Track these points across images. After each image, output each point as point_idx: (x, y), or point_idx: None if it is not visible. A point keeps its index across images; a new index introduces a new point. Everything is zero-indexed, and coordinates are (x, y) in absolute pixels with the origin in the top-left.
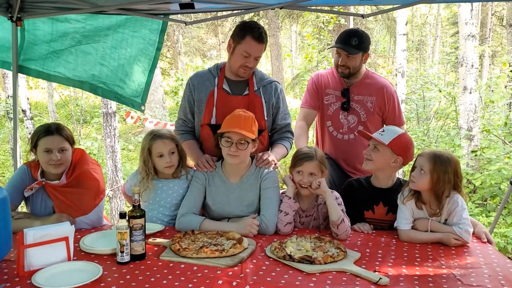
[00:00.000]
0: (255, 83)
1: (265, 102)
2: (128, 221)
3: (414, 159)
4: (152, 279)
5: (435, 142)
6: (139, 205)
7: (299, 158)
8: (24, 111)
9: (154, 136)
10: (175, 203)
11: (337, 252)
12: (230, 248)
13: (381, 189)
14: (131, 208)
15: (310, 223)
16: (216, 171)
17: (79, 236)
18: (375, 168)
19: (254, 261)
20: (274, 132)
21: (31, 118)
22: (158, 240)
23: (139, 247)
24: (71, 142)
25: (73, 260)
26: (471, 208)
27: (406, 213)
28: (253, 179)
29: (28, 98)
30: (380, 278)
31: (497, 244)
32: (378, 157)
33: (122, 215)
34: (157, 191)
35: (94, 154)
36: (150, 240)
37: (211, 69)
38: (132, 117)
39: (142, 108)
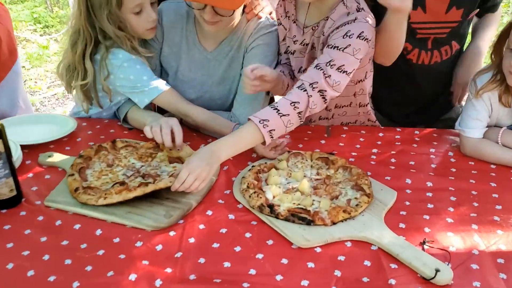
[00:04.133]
0: None
1: None
2: None
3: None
4: (24, 254)
5: None
6: None
7: None
8: None
9: None
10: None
11: (357, 197)
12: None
13: None
14: None
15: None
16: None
17: None
18: None
19: (210, 213)
20: None
21: None
22: (56, 157)
23: (3, 189)
24: None
25: None
26: None
27: (481, 112)
28: (235, 48)
29: None
30: (438, 272)
31: None
32: None
33: None
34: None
35: None
36: (41, 158)
37: None
38: None
39: None
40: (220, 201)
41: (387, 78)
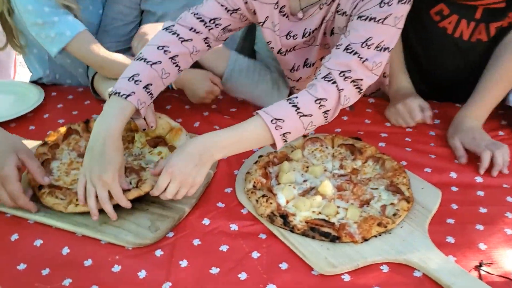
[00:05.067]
0: None
1: None
2: None
3: None
4: None
5: None
6: None
7: None
8: None
9: None
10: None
11: (394, 203)
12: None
13: None
14: None
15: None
16: None
17: None
18: None
19: (206, 222)
20: None
21: None
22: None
23: None
24: None
25: None
26: None
27: None
28: None
29: None
30: None
31: None
32: None
33: None
34: None
35: None
36: None
37: None
38: None
39: None
40: (219, 204)
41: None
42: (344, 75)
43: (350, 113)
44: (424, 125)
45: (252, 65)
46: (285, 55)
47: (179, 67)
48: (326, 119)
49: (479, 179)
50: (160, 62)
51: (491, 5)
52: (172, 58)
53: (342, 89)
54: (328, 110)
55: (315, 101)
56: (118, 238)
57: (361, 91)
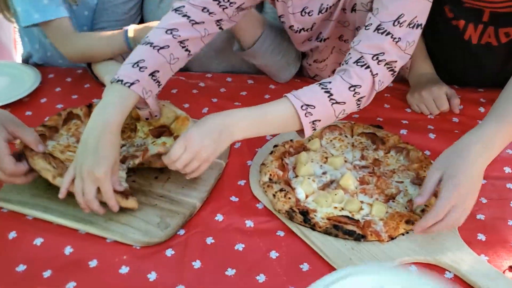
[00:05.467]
0: None
1: None
2: None
3: None
4: None
5: None
6: None
7: None
8: None
9: None
10: None
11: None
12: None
13: None
14: None
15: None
16: None
17: None
18: None
19: (220, 218)
20: None
21: None
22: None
23: None
24: None
25: None
26: None
27: None
28: None
29: None
30: None
31: None
32: None
33: None
34: None
35: None
36: None
37: None
38: None
39: None
40: (233, 198)
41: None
42: (377, 58)
43: None
44: (447, 111)
45: (280, 38)
46: (297, 32)
47: (189, 51)
48: (359, 107)
49: (507, 170)
50: (168, 46)
51: (499, 9)
52: (181, 42)
53: (377, 73)
54: (362, 97)
55: (350, 87)
56: (126, 237)
57: (394, 74)
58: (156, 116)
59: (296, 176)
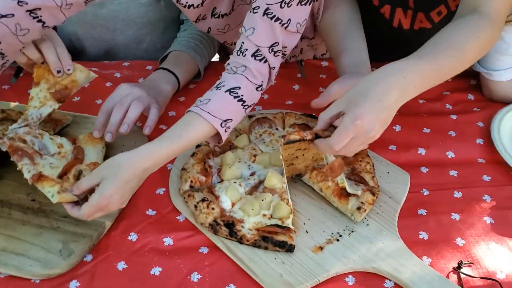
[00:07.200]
0: None
1: None
2: None
3: None
4: None
5: None
6: None
7: None
8: None
9: None
10: None
11: (357, 195)
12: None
13: None
14: None
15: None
16: None
17: None
18: None
19: (134, 237)
20: None
21: None
22: None
23: None
24: None
25: None
26: None
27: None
28: None
29: None
30: None
31: None
32: None
33: None
34: None
35: None
36: None
37: None
38: None
39: None
40: (149, 212)
41: None
42: (273, 50)
43: (302, 81)
44: None
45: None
46: (185, 7)
47: (43, 22)
48: (260, 94)
49: (451, 154)
50: (13, 15)
51: None
52: (31, 11)
53: (274, 67)
54: (263, 88)
55: (257, 88)
56: (22, 270)
57: (285, 56)
58: (68, 70)
59: (222, 180)
